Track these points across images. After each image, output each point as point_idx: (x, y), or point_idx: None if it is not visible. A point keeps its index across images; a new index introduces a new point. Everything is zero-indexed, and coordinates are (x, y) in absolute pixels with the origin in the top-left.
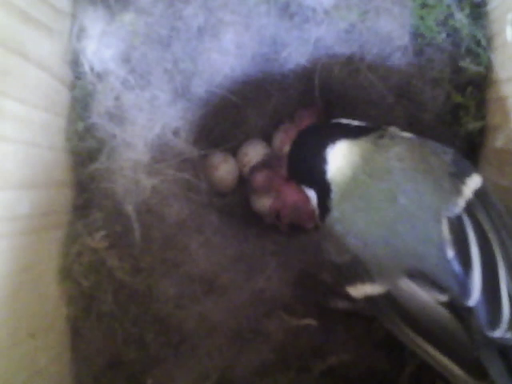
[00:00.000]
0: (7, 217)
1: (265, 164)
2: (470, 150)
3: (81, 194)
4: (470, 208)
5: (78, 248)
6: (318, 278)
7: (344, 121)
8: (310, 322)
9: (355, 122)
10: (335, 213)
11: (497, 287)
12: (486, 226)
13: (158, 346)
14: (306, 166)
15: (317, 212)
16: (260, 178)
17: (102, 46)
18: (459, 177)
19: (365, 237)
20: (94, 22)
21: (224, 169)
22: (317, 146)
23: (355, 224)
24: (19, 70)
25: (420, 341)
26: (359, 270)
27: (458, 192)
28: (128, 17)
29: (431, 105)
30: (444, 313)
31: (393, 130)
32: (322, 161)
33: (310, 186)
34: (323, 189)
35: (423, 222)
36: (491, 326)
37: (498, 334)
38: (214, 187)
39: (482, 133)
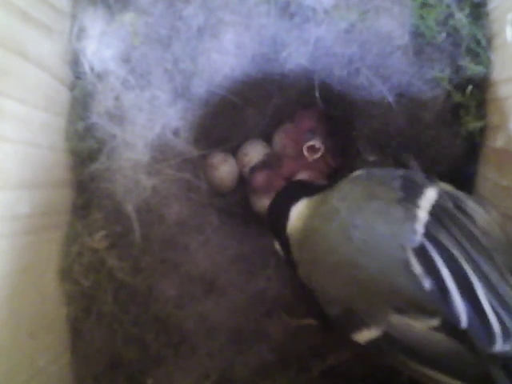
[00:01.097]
0: (7, 217)
1: (265, 164)
2: (470, 150)
3: (81, 194)
4: (429, 232)
5: (77, 248)
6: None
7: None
8: (310, 322)
9: (320, 183)
10: (301, 267)
11: (479, 304)
12: (449, 244)
13: (158, 346)
14: (276, 221)
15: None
16: (260, 177)
17: (102, 46)
18: (409, 201)
19: (336, 283)
20: (94, 22)
21: (224, 169)
22: (286, 204)
23: (322, 272)
24: (19, 70)
25: (429, 371)
26: (353, 318)
27: (412, 218)
28: (128, 17)
29: (431, 104)
30: (440, 337)
31: (345, 178)
32: (285, 218)
33: (277, 238)
34: (285, 242)
35: (385, 253)
36: (488, 342)
37: (497, 348)
38: (213, 187)
39: (482, 133)
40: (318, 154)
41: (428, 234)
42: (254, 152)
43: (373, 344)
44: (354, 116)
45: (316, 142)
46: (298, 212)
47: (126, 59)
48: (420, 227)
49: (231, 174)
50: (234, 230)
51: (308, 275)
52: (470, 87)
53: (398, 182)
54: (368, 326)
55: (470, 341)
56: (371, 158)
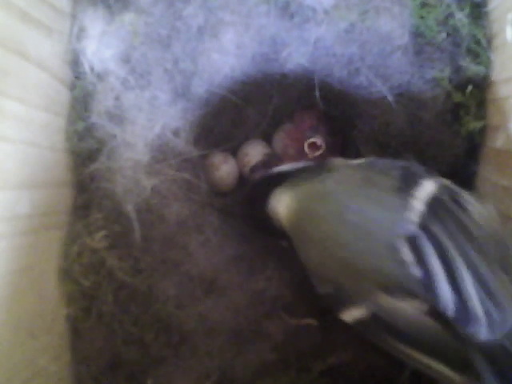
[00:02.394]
0: (7, 217)
1: (265, 164)
2: (470, 150)
3: (81, 194)
4: (423, 222)
5: (77, 248)
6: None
7: (285, 168)
8: (310, 321)
9: (298, 164)
10: (301, 254)
11: (466, 295)
12: (442, 236)
13: (158, 345)
14: (270, 225)
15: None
16: None
17: (102, 46)
18: (407, 191)
19: (330, 263)
20: (94, 22)
21: (224, 169)
22: (263, 201)
23: (317, 253)
24: (19, 70)
25: (413, 352)
26: (343, 297)
27: (408, 207)
28: (128, 17)
29: (431, 104)
30: (428, 320)
31: (338, 160)
32: (274, 213)
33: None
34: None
35: (377, 238)
36: (473, 332)
37: (481, 338)
38: (213, 187)
39: (482, 133)
40: (320, 151)
41: (422, 225)
42: (254, 152)
43: (360, 323)
44: (355, 116)
45: (318, 139)
46: (286, 205)
47: (125, 59)
48: (415, 217)
49: (231, 174)
50: (234, 230)
51: (304, 255)
52: (469, 87)
53: (398, 171)
54: (356, 304)
55: (455, 329)
56: (371, 158)
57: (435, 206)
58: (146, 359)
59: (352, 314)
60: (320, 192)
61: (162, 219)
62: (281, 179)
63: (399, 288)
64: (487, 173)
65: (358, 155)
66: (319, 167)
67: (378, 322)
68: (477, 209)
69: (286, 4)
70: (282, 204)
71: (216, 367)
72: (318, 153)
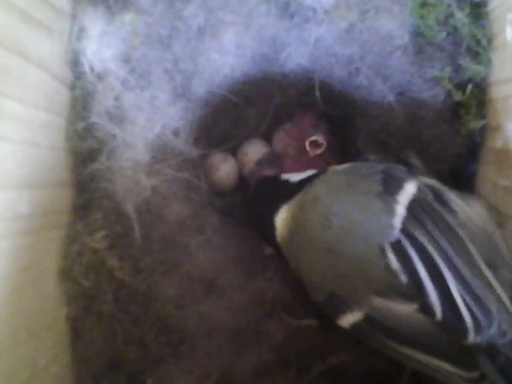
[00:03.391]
0: (7, 217)
1: (269, 159)
2: (470, 150)
3: (81, 194)
4: (405, 228)
5: (77, 248)
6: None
7: (285, 178)
8: (310, 322)
9: (296, 177)
10: (292, 263)
11: (452, 299)
12: (425, 241)
13: (158, 345)
14: (265, 232)
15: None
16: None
17: (102, 46)
18: (389, 195)
19: (319, 271)
20: (94, 22)
21: (224, 169)
22: (269, 215)
23: (306, 261)
24: (19, 70)
25: (408, 351)
26: (337, 303)
27: (390, 212)
28: (128, 17)
29: (431, 103)
30: (421, 318)
31: (331, 169)
32: (272, 229)
33: (272, 246)
34: (277, 249)
35: (362, 242)
36: (461, 337)
37: (469, 340)
38: (213, 187)
39: (482, 133)
40: (321, 149)
41: (404, 230)
42: (254, 151)
43: (356, 327)
44: (355, 115)
45: (319, 137)
46: (282, 220)
47: (125, 59)
48: (397, 223)
49: (231, 174)
50: (234, 230)
51: (296, 266)
52: (470, 87)
53: (379, 175)
54: (351, 309)
55: (445, 331)
56: (372, 157)
57: (415, 209)
58: (145, 359)
59: (348, 319)
60: (310, 198)
61: (162, 219)
62: (289, 193)
63: (389, 290)
64: (487, 173)
65: (358, 154)
66: (315, 175)
67: (373, 323)
68: (462, 207)
69: (286, 4)
70: (281, 221)
71: (216, 367)
72: (319, 151)
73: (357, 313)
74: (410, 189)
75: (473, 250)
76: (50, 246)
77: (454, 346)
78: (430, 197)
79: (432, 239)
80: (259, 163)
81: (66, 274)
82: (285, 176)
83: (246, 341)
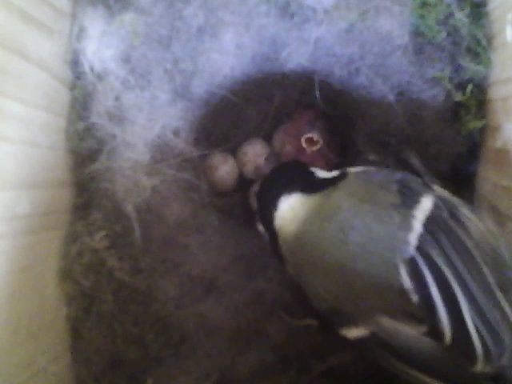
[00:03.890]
0: (7, 217)
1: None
2: (470, 150)
3: (81, 194)
4: (421, 245)
5: (77, 248)
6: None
7: (312, 170)
8: (310, 322)
9: (322, 174)
10: (290, 263)
11: (464, 324)
12: (440, 261)
13: (158, 346)
14: (263, 209)
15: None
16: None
17: (102, 46)
18: (406, 208)
19: (328, 285)
20: (94, 22)
21: (224, 169)
22: (275, 192)
23: (314, 272)
24: (19, 70)
25: (414, 373)
26: (341, 316)
27: (407, 227)
28: (128, 17)
29: (431, 103)
30: (429, 342)
31: (352, 170)
32: (273, 207)
33: (264, 226)
34: (272, 235)
35: (378, 260)
36: (468, 363)
37: (476, 369)
38: (213, 187)
39: (482, 133)
40: (317, 146)
41: (420, 248)
42: (254, 151)
43: (360, 341)
44: (355, 115)
45: (314, 135)
46: (290, 208)
47: (125, 59)
48: (413, 239)
49: (231, 175)
50: (233, 230)
51: (298, 272)
52: (470, 87)
53: (396, 186)
54: (356, 324)
55: (453, 356)
56: (372, 157)
57: (432, 226)
58: (145, 359)
59: (352, 333)
60: (330, 206)
61: (162, 219)
62: (309, 184)
63: (398, 310)
64: (487, 173)
65: (358, 154)
66: (338, 178)
67: (379, 342)
68: (474, 223)
69: (286, 4)
70: (291, 209)
71: (216, 367)
72: (315, 148)
73: (362, 329)
74: (426, 204)
75: (488, 273)
76: (50, 246)
77: (459, 372)
78: (445, 214)
79: (448, 260)
80: (267, 159)
81: (66, 274)
82: (313, 168)
83: (246, 341)
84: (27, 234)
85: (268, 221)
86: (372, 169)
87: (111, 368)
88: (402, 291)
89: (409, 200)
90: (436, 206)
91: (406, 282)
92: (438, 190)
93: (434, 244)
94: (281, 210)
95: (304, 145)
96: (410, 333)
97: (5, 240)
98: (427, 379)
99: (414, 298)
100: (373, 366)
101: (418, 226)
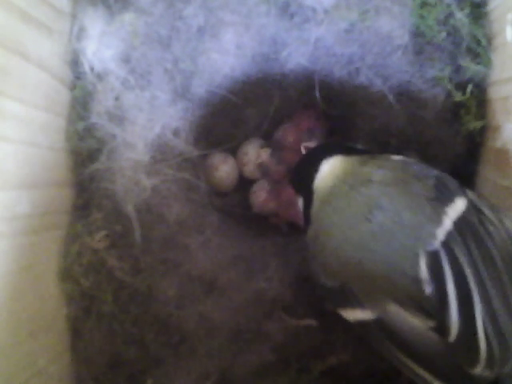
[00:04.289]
0: (7, 217)
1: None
2: (470, 150)
3: (81, 193)
4: (448, 242)
5: (77, 248)
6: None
7: (351, 144)
8: (310, 322)
9: (360, 146)
10: (313, 226)
11: (473, 325)
12: (463, 261)
13: (158, 345)
14: (302, 174)
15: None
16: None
17: (102, 46)
18: (440, 205)
19: (342, 258)
20: (94, 22)
21: (224, 169)
22: (317, 158)
23: (330, 241)
24: (19, 70)
25: (412, 364)
26: (348, 296)
27: (437, 221)
28: (128, 17)
29: (431, 104)
30: (434, 337)
31: (385, 155)
32: (314, 170)
33: (300, 193)
34: (308, 196)
35: (398, 244)
36: (469, 364)
37: (476, 371)
38: (214, 187)
39: (482, 133)
40: None
41: (446, 244)
42: (254, 151)
43: (362, 324)
44: (355, 115)
45: (313, 144)
46: (331, 167)
47: (125, 59)
48: (441, 234)
49: (231, 175)
50: (233, 230)
51: (314, 238)
52: (470, 87)
53: (432, 181)
54: (363, 307)
55: (455, 354)
56: None
57: (463, 227)
58: (146, 359)
59: (355, 315)
60: (363, 176)
61: (162, 219)
62: (338, 149)
63: (409, 300)
64: (487, 172)
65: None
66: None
67: (383, 328)
68: (497, 230)
69: (286, 4)
70: (330, 167)
71: (216, 367)
72: None
73: (368, 312)
74: (459, 205)
75: (508, 283)
76: (50, 246)
77: (457, 372)
78: (476, 219)
79: (471, 261)
80: (272, 155)
81: (65, 274)
82: (348, 143)
83: (246, 341)
84: (27, 234)
85: (307, 183)
86: (411, 160)
87: (111, 368)
88: (417, 281)
89: (443, 197)
90: (468, 210)
91: (424, 273)
92: (470, 194)
93: (460, 243)
94: (322, 171)
95: (304, 152)
96: (416, 324)
97: (5, 240)
98: (423, 373)
99: (428, 290)
100: (373, 366)
101: (448, 222)
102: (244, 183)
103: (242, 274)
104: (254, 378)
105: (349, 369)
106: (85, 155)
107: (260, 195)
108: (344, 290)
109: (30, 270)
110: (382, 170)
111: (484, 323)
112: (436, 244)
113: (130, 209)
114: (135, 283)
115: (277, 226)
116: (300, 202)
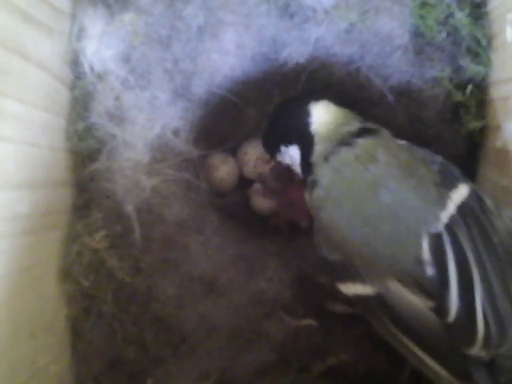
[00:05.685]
0: (7, 217)
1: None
2: (470, 150)
3: (81, 194)
4: (451, 225)
5: (77, 248)
6: (315, 280)
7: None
8: (310, 322)
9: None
10: (320, 185)
11: (472, 306)
12: (466, 244)
13: (158, 345)
14: (287, 123)
15: (300, 174)
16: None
17: (102, 46)
18: (445, 190)
19: (347, 233)
20: (94, 22)
21: (224, 169)
22: (300, 102)
23: (338, 214)
24: (19, 70)
25: (408, 342)
26: (350, 270)
27: (442, 205)
28: (128, 17)
29: (431, 104)
30: (432, 317)
31: (384, 130)
32: (305, 114)
33: (292, 142)
34: (307, 141)
35: (403, 225)
36: (466, 344)
37: (472, 352)
38: (213, 187)
39: (482, 133)
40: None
41: (449, 227)
42: (254, 151)
43: (361, 299)
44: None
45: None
46: (325, 111)
47: (126, 59)
48: (445, 217)
49: (231, 175)
50: (233, 230)
51: (320, 208)
52: (469, 87)
53: (437, 166)
54: (364, 281)
55: (452, 335)
56: None
57: (465, 211)
58: (146, 359)
59: (355, 289)
60: (369, 151)
61: (162, 219)
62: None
63: (410, 279)
64: (487, 172)
65: None
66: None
67: (382, 304)
68: (498, 219)
69: (286, 4)
70: (326, 110)
71: (216, 367)
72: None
73: (368, 287)
74: (463, 191)
75: (508, 268)
76: (50, 246)
77: (453, 352)
78: (477, 206)
79: (473, 245)
80: (272, 170)
81: (66, 274)
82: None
83: (246, 341)
84: (27, 234)
85: (300, 129)
86: (414, 146)
87: (111, 368)
88: (419, 262)
89: (447, 182)
90: (470, 196)
91: (426, 254)
92: (471, 184)
93: (463, 227)
94: (317, 115)
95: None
96: (415, 303)
97: (5, 240)
98: (419, 352)
99: (429, 271)
100: (373, 366)
101: (452, 207)
102: (244, 183)
103: (242, 274)
104: (254, 378)
105: (349, 369)
106: (85, 155)
107: (259, 196)
108: (345, 264)
109: (30, 270)
110: (388, 150)
111: (483, 306)
112: (439, 226)
113: (129, 209)
114: (135, 283)
115: (277, 225)
116: (291, 151)
